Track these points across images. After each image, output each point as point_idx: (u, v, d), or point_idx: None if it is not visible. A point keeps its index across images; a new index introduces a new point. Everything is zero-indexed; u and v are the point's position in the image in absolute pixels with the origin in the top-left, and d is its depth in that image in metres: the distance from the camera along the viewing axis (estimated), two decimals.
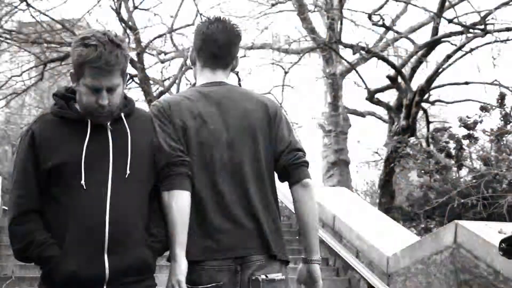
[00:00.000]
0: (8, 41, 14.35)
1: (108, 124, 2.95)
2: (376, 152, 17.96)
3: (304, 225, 3.22)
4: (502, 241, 4.76)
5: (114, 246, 2.85)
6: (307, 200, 3.21)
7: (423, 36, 15.74)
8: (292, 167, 3.21)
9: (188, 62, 16.37)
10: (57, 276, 2.83)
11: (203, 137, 3.13)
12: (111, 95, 2.91)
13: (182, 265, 2.97)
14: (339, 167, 16.58)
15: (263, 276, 3.09)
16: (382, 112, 18.04)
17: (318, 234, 3.26)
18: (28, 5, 13.81)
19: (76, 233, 2.83)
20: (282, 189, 3.77)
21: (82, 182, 2.85)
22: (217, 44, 3.28)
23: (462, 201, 9.46)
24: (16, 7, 14.32)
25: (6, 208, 10.95)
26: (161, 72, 17.00)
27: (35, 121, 2.99)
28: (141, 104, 18.01)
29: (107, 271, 2.83)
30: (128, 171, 2.92)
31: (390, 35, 15.95)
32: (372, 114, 18.21)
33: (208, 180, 3.09)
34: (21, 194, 2.93)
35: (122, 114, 3.01)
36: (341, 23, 14.37)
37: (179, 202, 2.99)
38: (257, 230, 3.11)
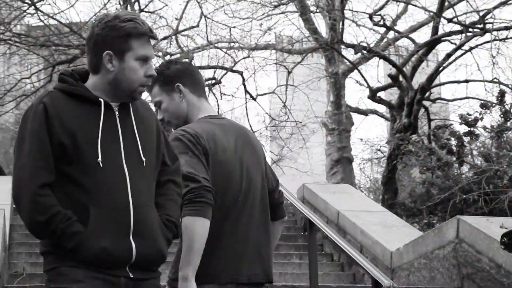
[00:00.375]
0: (18, 44, 14.52)
1: (117, 109, 2.86)
2: (379, 150, 18.13)
3: None
4: (503, 235, 4.81)
5: (138, 230, 2.77)
6: (279, 234, 3.54)
7: (423, 35, 15.97)
8: (279, 205, 3.47)
9: (193, 63, 16.60)
10: (85, 252, 2.68)
11: (226, 169, 3.23)
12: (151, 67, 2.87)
13: (193, 286, 3.04)
14: (342, 164, 16.75)
15: None
16: (384, 110, 18.24)
17: None
18: (37, 9, 14.02)
19: (101, 212, 2.72)
20: (285, 186, 3.95)
21: (99, 160, 2.75)
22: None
23: (464, 196, 9.55)
24: (25, 11, 14.49)
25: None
26: None
27: (44, 96, 2.83)
28: None
29: (134, 252, 2.75)
30: (143, 158, 2.86)
31: (391, 34, 16.14)
32: (374, 112, 18.38)
33: (225, 210, 3.20)
34: (40, 165, 2.73)
35: None
36: (343, 24, 14.58)
37: (202, 231, 3.05)
38: (261, 258, 3.28)
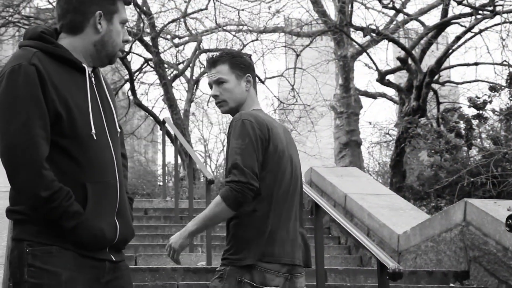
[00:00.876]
0: (26, 26, 14.52)
1: (91, 73, 2.72)
2: (388, 133, 18.10)
3: None
4: (508, 217, 4.83)
5: (120, 208, 2.70)
6: None
7: (433, 18, 15.87)
8: None
9: (202, 45, 16.59)
10: (84, 232, 2.56)
11: (282, 164, 3.43)
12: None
13: (187, 240, 3.39)
14: (350, 148, 16.75)
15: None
16: (393, 93, 18.20)
17: None
18: None
19: (96, 191, 2.59)
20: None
21: (93, 132, 2.61)
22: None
23: (472, 179, 9.53)
24: None
25: None
26: (176, 56, 17.20)
27: (31, 56, 2.56)
28: (156, 88, 18.25)
29: (117, 234, 2.67)
30: (118, 129, 2.77)
31: (400, 17, 16.06)
32: (383, 95, 18.35)
33: (282, 199, 3.42)
34: (41, 134, 2.52)
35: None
36: (352, 6, 14.51)
37: (222, 216, 3.33)
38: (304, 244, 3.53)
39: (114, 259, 2.67)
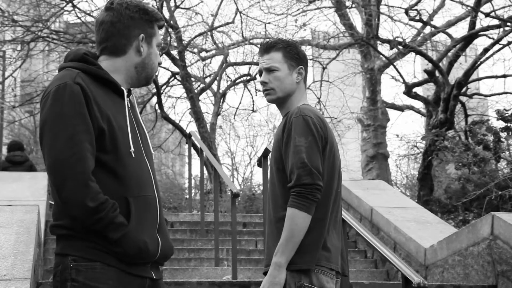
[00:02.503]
0: (55, 41, 14.72)
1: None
2: (415, 146, 18.01)
3: None
4: None
5: (160, 224, 2.75)
6: None
7: (461, 30, 15.79)
8: None
9: (228, 59, 16.65)
10: (129, 245, 2.60)
11: (336, 165, 3.36)
12: None
13: (283, 274, 3.18)
14: (378, 160, 16.70)
15: None
16: (420, 106, 18.11)
17: None
18: (74, 6, 14.18)
19: (138, 205, 2.65)
20: None
21: (132, 150, 2.68)
22: None
23: (500, 193, 9.45)
24: (62, 8, 14.68)
25: (52, 202, 11.21)
26: (202, 69, 17.28)
27: (75, 76, 2.66)
28: (183, 101, 18.35)
29: (159, 249, 2.72)
30: (152, 152, 2.86)
31: (427, 30, 16.00)
32: (411, 108, 18.27)
33: (332, 203, 3.31)
34: (88, 149, 2.60)
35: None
36: (378, 19, 14.49)
37: (304, 225, 3.17)
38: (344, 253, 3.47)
39: (155, 277, 2.72)
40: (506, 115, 11.35)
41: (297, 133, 3.21)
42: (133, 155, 2.68)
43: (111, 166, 2.64)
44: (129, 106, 2.79)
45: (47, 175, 2.65)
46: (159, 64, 2.88)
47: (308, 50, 17.87)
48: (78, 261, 2.60)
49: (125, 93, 2.77)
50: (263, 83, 3.43)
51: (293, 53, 3.41)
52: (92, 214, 2.55)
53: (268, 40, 3.50)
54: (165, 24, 2.67)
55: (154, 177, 2.78)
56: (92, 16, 14.34)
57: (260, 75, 3.47)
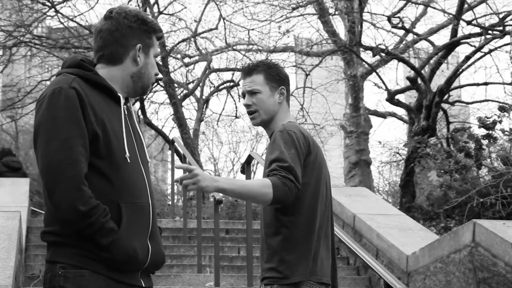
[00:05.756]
0: (38, 46, 14.64)
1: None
2: (397, 153, 18.07)
3: None
4: None
5: (152, 232, 2.76)
6: None
7: (443, 38, 15.91)
8: None
9: (212, 65, 16.64)
10: (119, 251, 2.61)
11: (322, 179, 3.40)
12: None
13: (211, 187, 3.02)
14: (360, 167, 16.73)
15: None
16: (403, 112, 18.18)
17: None
18: (57, 11, 14.13)
19: (130, 211, 2.66)
20: None
21: (127, 155, 2.70)
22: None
23: (481, 200, 9.48)
24: (45, 13, 14.62)
25: (35, 209, 11.14)
26: (186, 75, 17.26)
27: (71, 81, 2.70)
28: (166, 107, 18.32)
29: (149, 256, 2.72)
30: (148, 159, 2.88)
31: (410, 37, 16.08)
32: (393, 115, 18.34)
33: (316, 216, 3.35)
34: (82, 152, 2.61)
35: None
36: (361, 26, 14.55)
37: (260, 199, 3.16)
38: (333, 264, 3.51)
39: (144, 285, 2.73)
40: (488, 122, 11.41)
41: (281, 144, 3.27)
42: (128, 161, 2.69)
43: (104, 171, 2.65)
44: (126, 113, 2.81)
45: (41, 178, 2.66)
46: (156, 75, 2.89)
47: (291, 57, 17.93)
48: (67, 268, 2.61)
49: (122, 100, 2.79)
50: (246, 105, 3.51)
51: (274, 75, 3.49)
52: (83, 218, 2.55)
53: (249, 63, 3.58)
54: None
55: (149, 184, 2.79)
56: (74, 21, 14.30)
57: (244, 98, 3.54)
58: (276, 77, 3.49)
